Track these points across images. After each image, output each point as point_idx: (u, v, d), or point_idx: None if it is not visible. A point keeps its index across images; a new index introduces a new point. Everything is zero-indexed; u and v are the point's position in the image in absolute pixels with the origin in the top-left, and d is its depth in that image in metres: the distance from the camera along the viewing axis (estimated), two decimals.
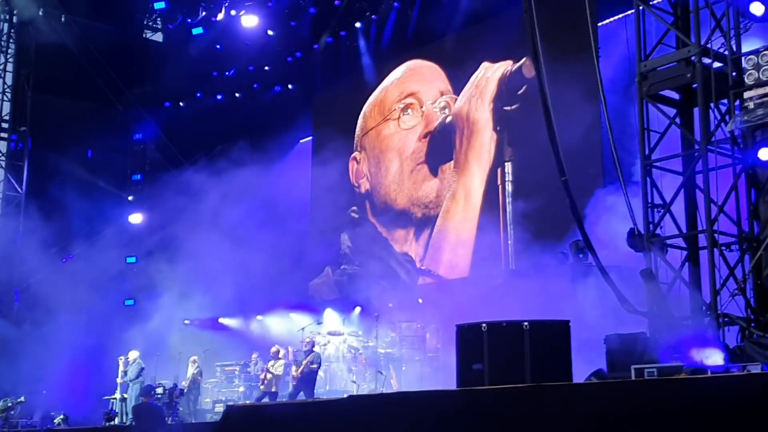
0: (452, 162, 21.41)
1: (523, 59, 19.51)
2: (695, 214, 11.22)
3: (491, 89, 20.71)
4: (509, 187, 20.02)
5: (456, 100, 21.68)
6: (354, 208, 23.87)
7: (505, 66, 20.44)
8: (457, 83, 21.77)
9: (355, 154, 24.34)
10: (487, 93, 20.79)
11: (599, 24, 17.33)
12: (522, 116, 19.59)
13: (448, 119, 21.70)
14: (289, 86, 26.29)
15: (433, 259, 21.58)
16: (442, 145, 21.73)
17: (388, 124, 23.49)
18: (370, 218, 23.54)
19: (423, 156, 22.28)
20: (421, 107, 22.61)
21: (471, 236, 20.72)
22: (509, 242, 19.70)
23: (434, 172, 21.93)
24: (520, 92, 19.91)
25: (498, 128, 20.52)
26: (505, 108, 20.36)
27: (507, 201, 19.96)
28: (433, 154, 22.08)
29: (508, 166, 20.15)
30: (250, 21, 24.56)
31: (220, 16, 24.92)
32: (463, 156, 21.11)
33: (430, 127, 22.27)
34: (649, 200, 11.40)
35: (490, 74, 20.83)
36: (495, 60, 20.76)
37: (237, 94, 26.70)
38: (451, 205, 21.27)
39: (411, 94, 22.96)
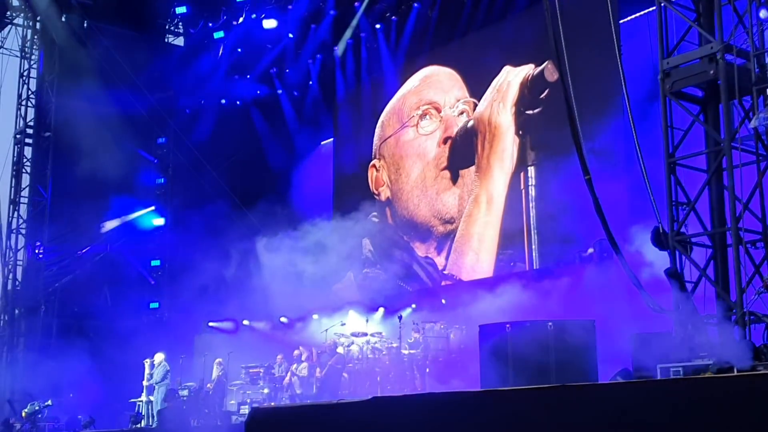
0: (474, 167, 21.29)
1: (546, 62, 19.38)
2: (720, 211, 11.14)
3: (513, 93, 20.54)
4: (532, 192, 19.88)
5: (474, 103, 21.59)
6: (374, 213, 23.81)
7: (527, 70, 20.25)
8: (477, 87, 21.64)
9: (374, 161, 24.28)
10: (509, 97, 20.65)
11: (621, 21, 17.23)
12: (545, 120, 19.46)
13: (470, 124, 21.57)
14: (310, 87, 26.30)
15: (455, 264, 21.48)
16: (464, 150, 21.57)
17: (406, 130, 23.42)
18: (390, 224, 23.49)
19: (445, 161, 22.13)
20: (440, 113, 22.53)
21: (494, 240, 20.59)
22: (533, 247, 19.56)
23: (455, 178, 21.81)
24: (542, 96, 19.78)
25: (520, 132, 20.34)
26: (528, 112, 20.19)
27: (531, 205, 19.81)
28: (454, 159, 21.93)
29: (531, 171, 20.01)
30: (270, 24, 24.64)
31: (241, 20, 25.01)
32: (485, 161, 20.98)
33: (449, 132, 22.15)
34: (674, 198, 11.33)
35: (512, 78, 20.67)
36: (517, 64, 20.63)
37: (258, 93, 26.84)
38: (473, 209, 21.15)
39: (429, 103, 22.87)
